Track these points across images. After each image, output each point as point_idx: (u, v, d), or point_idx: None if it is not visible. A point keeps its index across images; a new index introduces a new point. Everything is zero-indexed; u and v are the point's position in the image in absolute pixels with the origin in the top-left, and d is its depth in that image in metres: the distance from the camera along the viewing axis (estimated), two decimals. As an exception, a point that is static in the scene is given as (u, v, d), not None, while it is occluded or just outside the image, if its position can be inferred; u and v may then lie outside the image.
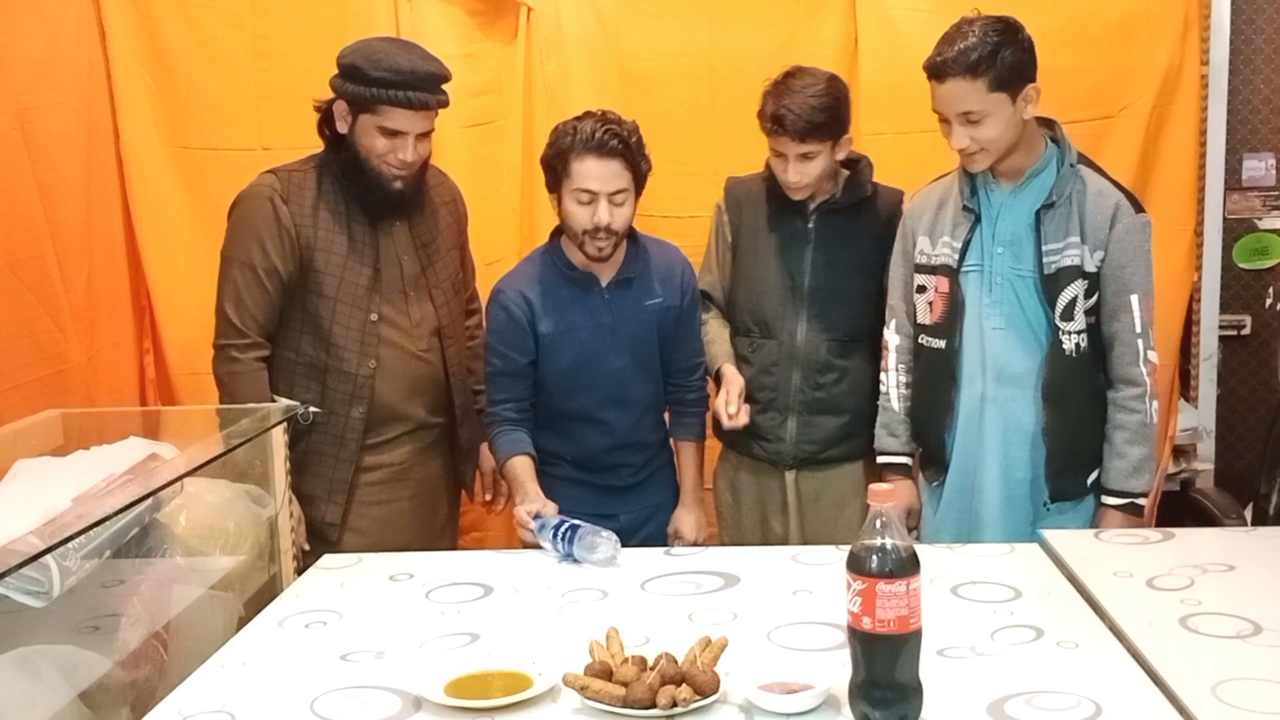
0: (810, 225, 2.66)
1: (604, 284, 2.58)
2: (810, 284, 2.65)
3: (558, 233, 2.62)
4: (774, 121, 2.51)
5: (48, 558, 1.70)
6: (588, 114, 2.50)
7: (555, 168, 2.48)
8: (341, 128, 2.55)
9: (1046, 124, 2.43)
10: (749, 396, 2.65)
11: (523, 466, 2.53)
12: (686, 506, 2.71)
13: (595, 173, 2.43)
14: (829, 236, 2.66)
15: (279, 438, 2.46)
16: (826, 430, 2.68)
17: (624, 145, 2.44)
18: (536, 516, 2.31)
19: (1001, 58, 2.27)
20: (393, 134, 2.49)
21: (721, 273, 2.76)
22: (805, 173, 2.56)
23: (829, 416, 2.67)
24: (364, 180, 2.55)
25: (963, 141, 2.33)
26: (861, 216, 2.67)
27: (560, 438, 2.63)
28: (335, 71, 2.52)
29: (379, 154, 2.51)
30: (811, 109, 2.48)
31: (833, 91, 2.53)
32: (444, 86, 2.54)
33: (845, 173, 2.68)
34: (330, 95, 2.55)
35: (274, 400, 2.56)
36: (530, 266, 2.64)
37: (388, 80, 2.44)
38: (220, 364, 2.59)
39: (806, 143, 2.51)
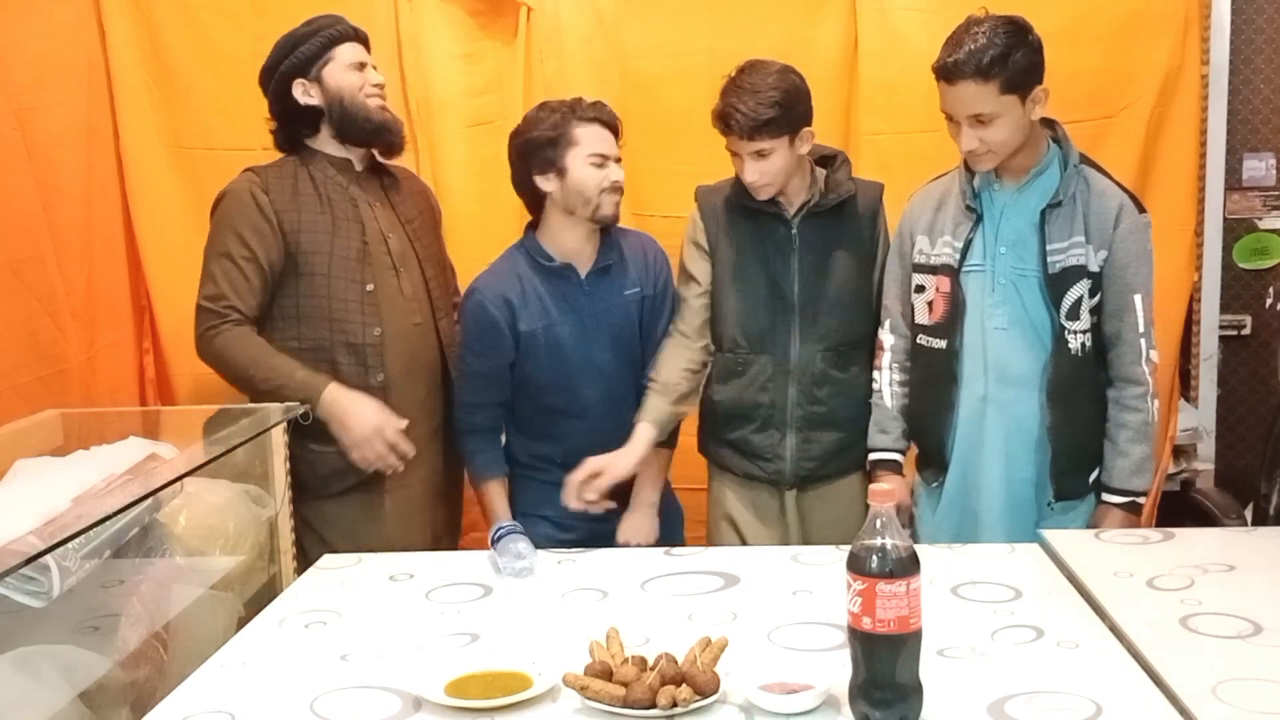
0: (794, 231, 2.54)
1: (583, 275, 2.57)
2: (800, 294, 2.55)
3: (531, 227, 2.63)
4: (721, 121, 2.43)
5: (48, 558, 1.71)
6: (548, 102, 2.59)
7: (556, 142, 2.48)
8: (314, 100, 2.62)
9: (1048, 124, 2.43)
10: (743, 414, 2.59)
11: (498, 493, 2.58)
12: (636, 511, 2.62)
13: (604, 137, 2.53)
14: (814, 242, 2.55)
15: (279, 438, 2.46)
16: (826, 445, 2.59)
17: (613, 115, 2.57)
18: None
19: (1013, 60, 2.25)
20: (356, 66, 2.62)
21: (705, 281, 2.61)
22: (764, 171, 2.45)
23: (828, 431, 2.58)
24: (358, 120, 2.62)
25: (971, 143, 2.32)
26: (845, 216, 2.57)
27: (546, 439, 2.61)
28: (275, 83, 2.63)
29: (357, 86, 2.62)
30: (758, 105, 2.38)
31: (782, 85, 2.41)
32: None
33: (822, 172, 2.57)
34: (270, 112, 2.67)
35: (275, 351, 2.54)
36: (507, 263, 2.61)
37: (321, 25, 2.61)
38: (205, 348, 2.56)
39: (757, 140, 2.41)
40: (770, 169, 2.45)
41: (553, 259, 2.56)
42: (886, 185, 2.72)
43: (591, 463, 2.47)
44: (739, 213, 2.58)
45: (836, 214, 2.56)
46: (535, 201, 2.59)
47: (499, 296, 2.54)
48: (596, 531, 2.55)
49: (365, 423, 2.49)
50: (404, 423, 2.53)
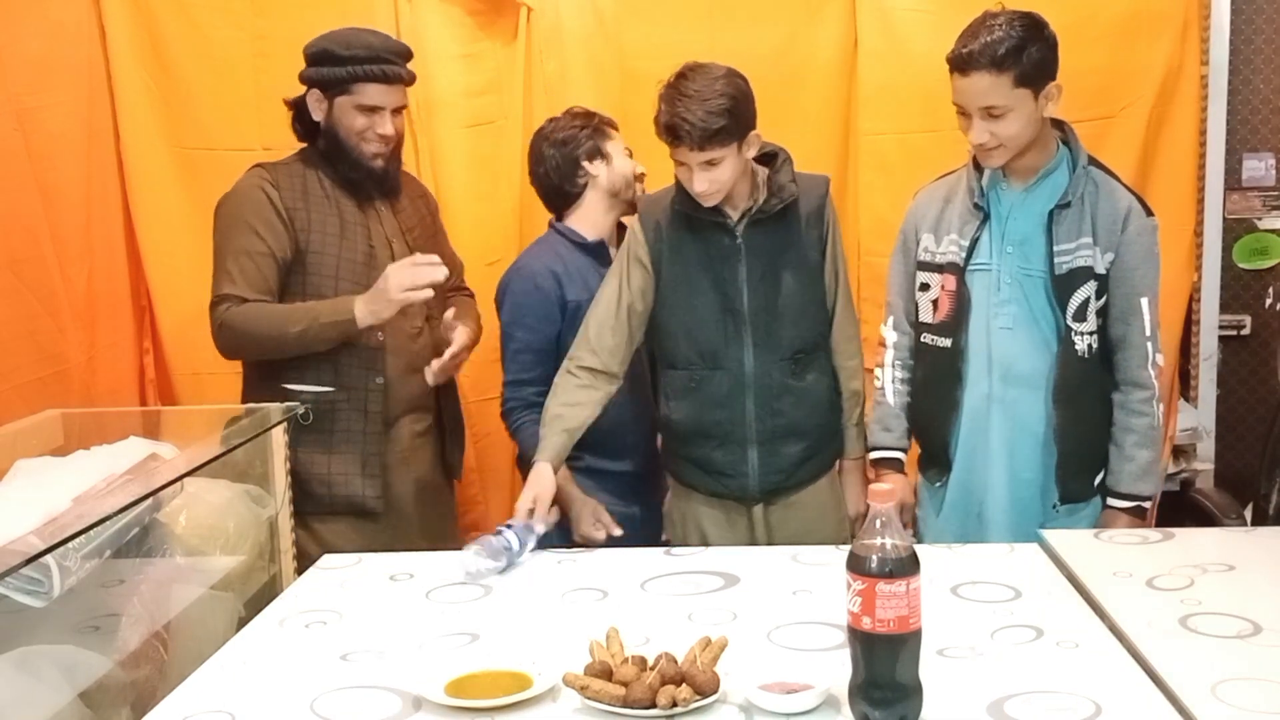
0: (739, 240, 2.44)
1: (613, 254, 2.68)
2: (750, 304, 2.44)
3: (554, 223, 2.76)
4: (669, 133, 2.32)
5: (48, 558, 1.71)
6: (569, 110, 2.78)
7: (597, 133, 2.72)
8: (317, 116, 2.61)
9: (1057, 125, 2.42)
10: (702, 431, 2.49)
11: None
12: None
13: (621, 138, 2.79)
14: (761, 249, 2.45)
15: (279, 438, 2.47)
16: (790, 457, 2.50)
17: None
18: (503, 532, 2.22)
19: (1027, 53, 2.25)
20: (370, 110, 2.58)
21: (633, 303, 2.49)
22: (714, 180, 2.35)
23: (791, 442, 2.49)
24: (347, 160, 2.61)
25: (982, 136, 2.31)
26: (790, 218, 2.47)
27: None
28: (302, 78, 2.61)
29: (358, 131, 2.58)
30: (708, 114, 2.27)
31: (730, 91, 2.30)
32: (409, 65, 2.65)
33: (764, 171, 2.46)
34: (299, 94, 2.63)
35: (292, 319, 2.52)
36: (544, 247, 2.74)
37: (359, 57, 2.55)
38: (224, 333, 2.53)
39: (708, 150, 2.30)
40: (721, 177, 2.35)
41: (586, 239, 2.71)
42: (886, 185, 2.72)
43: (526, 499, 2.32)
44: (682, 225, 2.48)
45: (781, 217, 2.45)
46: (569, 194, 2.72)
47: (545, 269, 2.66)
48: (623, 516, 2.59)
49: (394, 278, 2.44)
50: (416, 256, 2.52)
